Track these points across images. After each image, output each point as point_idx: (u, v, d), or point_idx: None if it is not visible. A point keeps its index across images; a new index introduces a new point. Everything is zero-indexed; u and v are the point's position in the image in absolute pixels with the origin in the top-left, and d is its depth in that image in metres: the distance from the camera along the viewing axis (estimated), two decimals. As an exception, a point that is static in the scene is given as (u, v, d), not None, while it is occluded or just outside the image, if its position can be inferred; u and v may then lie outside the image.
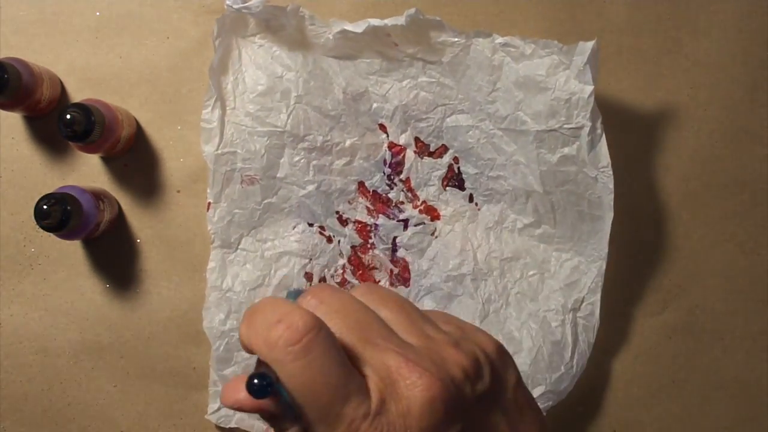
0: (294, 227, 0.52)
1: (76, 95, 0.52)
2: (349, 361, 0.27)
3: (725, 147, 0.55)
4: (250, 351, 0.28)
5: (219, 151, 0.50)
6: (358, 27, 0.48)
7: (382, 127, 0.52)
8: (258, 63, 0.50)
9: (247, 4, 0.47)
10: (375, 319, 0.29)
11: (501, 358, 0.30)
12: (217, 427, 0.52)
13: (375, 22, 0.48)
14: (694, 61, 0.55)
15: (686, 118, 0.55)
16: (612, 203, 0.49)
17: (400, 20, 0.47)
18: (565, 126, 0.48)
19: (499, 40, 0.49)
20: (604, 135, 0.48)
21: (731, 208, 0.55)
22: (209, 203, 0.50)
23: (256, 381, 0.25)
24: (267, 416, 0.28)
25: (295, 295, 0.30)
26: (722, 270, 0.55)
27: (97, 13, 0.52)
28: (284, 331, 0.26)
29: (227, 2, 0.47)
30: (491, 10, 0.54)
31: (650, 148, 0.55)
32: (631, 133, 0.54)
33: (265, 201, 0.51)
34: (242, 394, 0.28)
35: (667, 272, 0.55)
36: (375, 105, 0.51)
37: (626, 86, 0.54)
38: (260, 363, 0.28)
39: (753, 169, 0.55)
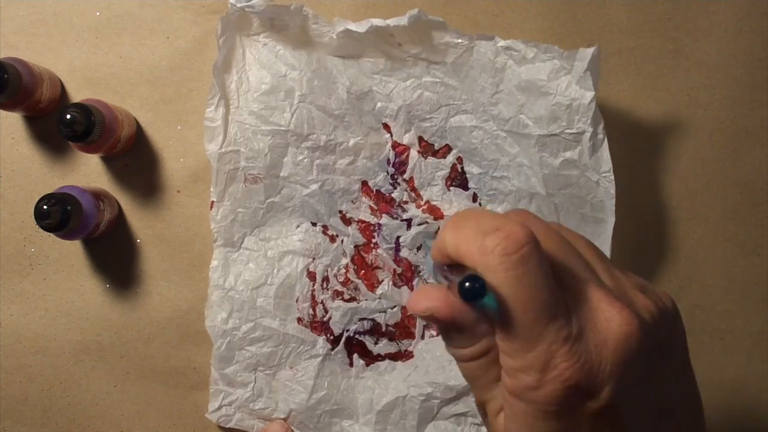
0: (297, 226, 0.52)
1: (76, 95, 0.52)
2: (556, 283, 0.27)
3: (725, 147, 0.55)
4: (453, 257, 0.28)
5: (222, 150, 0.50)
6: (360, 27, 0.48)
7: (386, 127, 0.52)
8: (262, 62, 0.50)
9: (250, 3, 0.47)
10: (575, 251, 0.29)
11: (677, 313, 0.30)
12: (218, 426, 0.52)
13: (377, 22, 0.48)
14: (694, 61, 0.55)
15: (686, 118, 0.55)
16: (614, 208, 0.49)
17: (403, 20, 0.47)
18: (567, 131, 0.48)
19: (502, 43, 0.49)
20: (606, 140, 0.48)
21: (731, 208, 0.55)
22: (212, 202, 0.50)
23: (468, 284, 0.24)
24: (451, 328, 0.28)
25: (431, 237, 0.30)
26: (722, 270, 0.55)
27: (97, 13, 0.52)
28: (503, 239, 0.26)
29: (231, 1, 0.47)
30: (491, 11, 0.54)
31: (650, 148, 0.55)
32: (630, 133, 0.54)
33: (269, 200, 0.51)
34: (434, 302, 0.28)
35: (667, 272, 0.55)
36: (379, 104, 0.51)
37: (626, 86, 0.54)
38: (455, 271, 0.28)
39: (753, 169, 0.55)
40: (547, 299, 0.26)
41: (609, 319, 0.26)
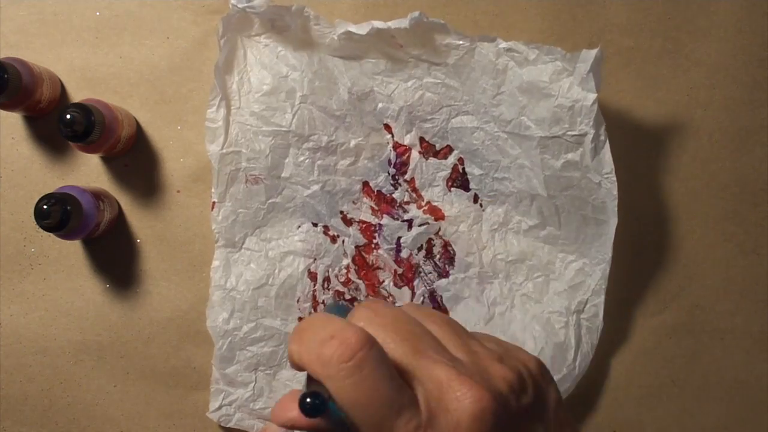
0: (298, 227, 0.52)
1: (76, 95, 0.52)
2: (399, 375, 0.27)
3: (725, 147, 0.55)
4: (300, 368, 0.28)
5: (224, 151, 0.50)
6: (362, 29, 0.48)
7: (387, 128, 0.52)
8: (263, 62, 0.50)
9: (251, 4, 0.47)
10: (425, 332, 0.29)
11: (543, 375, 0.31)
12: (218, 426, 0.52)
13: (379, 24, 0.48)
14: (694, 61, 0.55)
15: (686, 118, 0.55)
16: (616, 209, 0.49)
17: (404, 23, 0.47)
18: (569, 133, 0.48)
19: (503, 44, 0.49)
20: (607, 141, 0.48)
21: (731, 208, 0.55)
22: (213, 202, 0.50)
23: (309, 400, 0.25)
24: None
25: (338, 309, 0.31)
26: (722, 270, 0.55)
27: (97, 13, 0.52)
28: (337, 347, 0.26)
29: (232, 1, 0.47)
30: (491, 11, 0.54)
31: (650, 148, 0.55)
32: (630, 133, 0.54)
33: (270, 201, 0.51)
34: (294, 413, 0.28)
35: (667, 272, 0.55)
36: (380, 105, 0.51)
37: (626, 86, 0.54)
38: (311, 380, 0.28)
39: (753, 169, 0.55)
40: (390, 396, 0.26)
41: (460, 397, 0.26)
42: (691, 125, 0.55)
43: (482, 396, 0.26)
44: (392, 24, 0.48)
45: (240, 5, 0.47)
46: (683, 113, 0.55)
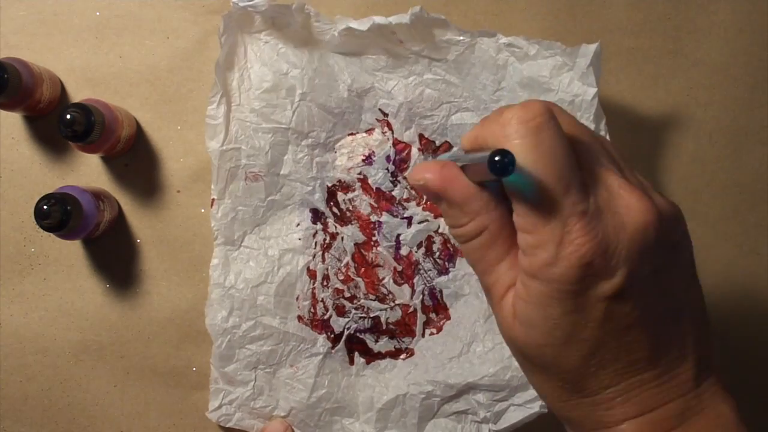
0: (297, 224, 0.52)
1: (76, 95, 0.52)
2: (575, 158, 0.27)
3: (725, 147, 0.55)
4: (480, 143, 0.28)
5: (224, 147, 0.50)
6: (362, 25, 0.48)
7: (387, 124, 0.52)
8: (264, 60, 0.50)
9: (252, 2, 0.47)
10: (600, 143, 0.29)
11: (685, 222, 0.30)
12: (218, 426, 0.52)
13: (379, 20, 0.48)
14: (694, 61, 0.55)
15: (686, 118, 0.55)
16: None
17: (405, 18, 0.47)
18: None
19: (504, 40, 0.49)
20: (608, 136, 0.48)
21: (731, 208, 0.55)
22: (213, 200, 0.50)
23: (498, 157, 0.24)
24: (445, 202, 0.29)
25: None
26: (722, 270, 0.55)
27: (97, 13, 0.52)
28: (519, 110, 0.26)
29: (233, 0, 0.47)
30: (491, 10, 0.54)
31: (650, 148, 0.55)
32: (630, 133, 0.54)
33: (269, 198, 0.51)
34: (431, 172, 0.29)
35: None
36: (380, 101, 0.51)
37: (626, 86, 0.54)
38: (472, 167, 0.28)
39: (753, 169, 0.55)
40: (563, 169, 0.26)
41: (629, 205, 0.27)
42: (691, 125, 0.55)
43: (651, 209, 0.27)
44: (393, 19, 0.48)
45: (241, 3, 0.47)
46: (683, 113, 0.55)
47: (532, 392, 0.50)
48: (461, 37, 0.49)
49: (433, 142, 0.52)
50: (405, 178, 0.52)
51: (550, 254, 0.26)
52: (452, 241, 0.52)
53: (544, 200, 0.26)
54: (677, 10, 0.54)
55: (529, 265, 0.27)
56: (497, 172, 0.24)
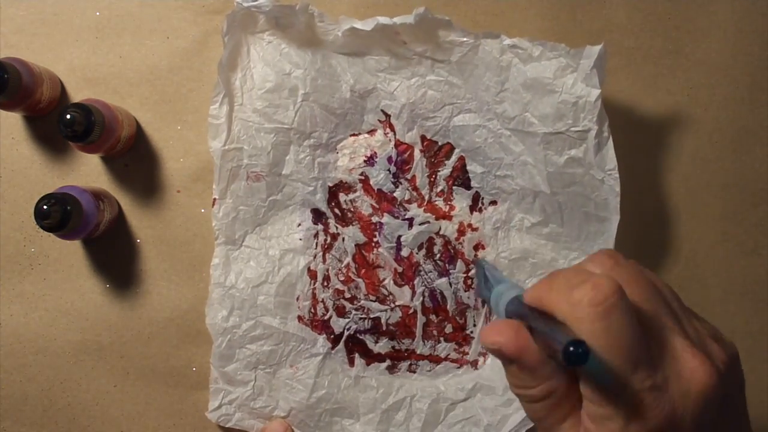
0: (298, 225, 0.52)
1: (76, 95, 0.52)
2: (642, 331, 0.27)
3: (725, 147, 0.55)
4: (544, 306, 0.28)
5: (226, 147, 0.50)
6: (366, 25, 0.48)
7: (389, 125, 0.52)
8: (266, 60, 0.50)
9: (256, 3, 0.47)
10: (662, 298, 0.29)
11: (739, 360, 0.31)
12: (218, 426, 0.52)
13: (383, 20, 0.48)
14: (694, 61, 0.55)
15: (686, 118, 0.55)
16: (618, 206, 0.49)
17: (409, 18, 0.47)
18: (572, 129, 0.48)
19: (507, 41, 0.49)
20: (611, 138, 0.48)
21: (731, 208, 0.55)
22: (214, 199, 0.50)
23: (572, 348, 0.24)
24: (516, 365, 0.29)
25: (488, 266, 0.32)
26: (722, 270, 0.55)
27: (97, 13, 0.52)
28: (590, 290, 0.26)
29: (237, 0, 0.47)
30: (492, 10, 0.54)
31: (650, 148, 0.55)
32: (630, 133, 0.54)
33: (270, 198, 0.51)
34: (506, 336, 0.29)
35: (667, 272, 0.55)
36: (382, 102, 0.51)
37: (626, 86, 0.54)
38: (542, 321, 0.28)
39: (753, 169, 0.55)
40: (633, 349, 0.26)
41: (693, 369, 0.27)
42: (691, 125, 0.55)
43: (712, 373, 0.27)
44: (397, 20, 0.48)
45: (245, 4, 0.47)
46: (683, 113, 0.55)
47: None
48: (465, 39, 0.49)
49: (436, 143, 0.52)
50: (407, 179, 0.52)
51: (619, 426, 0.27)
52: (453, 243, 0.52)
53: (614, 379, 0.26)
54: (677, 10, 0.54)
55: None
56: (571, 362, 0.24)
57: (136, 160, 0.52)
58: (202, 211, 0.53)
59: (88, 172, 0.52)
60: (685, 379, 0.27)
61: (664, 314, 0.29)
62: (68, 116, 0.44)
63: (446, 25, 0.49)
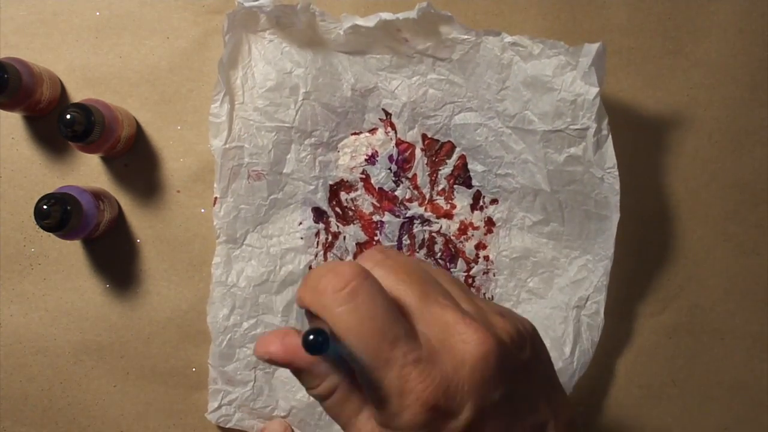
0: (300, 223, 0.52)
1: (76, 95, 0.52)
2: (398, 310, 0.27)
3: (725, 147, 0.55)
4: (303, 306, 0.29)
5: (227, 146, 0.50)
6: (369, 21, 0.48)
7: (390, 124, 0.52)
8: (268, 58, 0.50)
9: (257, 2, 0.47)
10: (434, 280, 0.30)
11: (538, 338, 0.31)
12: (218, 426, 0.52)
13: (386, 15, 0.48)
14: (694, 61, 0.55)
15: (686, 118, 0.55)
16: (618, 204, 0.49)
17: (412, 14, 0.47)
18: (571, 127, 0.48)
19: (508, 39, 0.49)
20: (610, 136, 0.48)
21: (731, 208, 0.55)
22: (215, 198, 0.50)
23: (311, 337, 0.24)
24: (296, 370, 0.30)
25: None
26: (722, 270, 0.55)
27: (97, 13, 0.52)
28: (332, 278, 0.27)
29: (239, 0, 0.47)
30: (491, 10, 0.54)
31: (650, 148, 0.55)
32: (630, 133, 0.54)
33: (272, 197, 0.51)
34: (273, 346, 0.29)
35: (667, 272, 0.55)
36: (383, 101, 0.51)
37: (626, 86, 0.54)
38: (312, 319, 0.29)
39: (753, 169, 0.55)
40: (386, 325, 0.26)
41: (465, 340, 0.27)
42: (691, 125, 0.55)
43: (487, 339, 0.27)
44: (400, 15, 0.48)
45: (247, 4, 0.47)
46: (683, 113, 0.55)
47: None
48: (466, 36, 0.49)
49: (437, 141, 0.52)
50: (408, 178, 0.52)
51: (394, 405, 0.27)
52: (454, 241, 0.52)
53: (374, 357, 0.26)
54: (677, 10, 0.54)
55: (378, 418, 0.28)
56: (313, 351, 0.24)
57: (136, 160, 0.52)
58: (202, 211, 0.53)
59: (88, 172, 0.52)
60: (458, 350, 0.27)
61: (434, 294, 0.29)
62: (68, 116, 0.44)
63: (448, 21, 0.49)
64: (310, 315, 0.29)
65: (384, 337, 0.26)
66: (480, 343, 0.27)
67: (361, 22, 0.48)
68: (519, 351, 0.29)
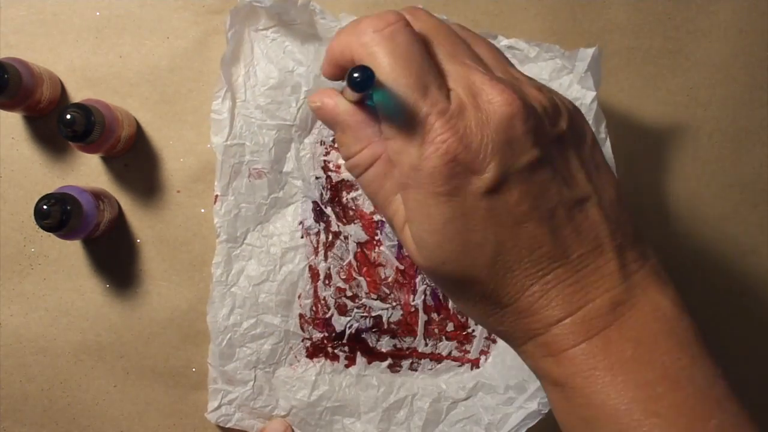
0: (300, 223, 0.52)
1: (76, 95, 0.52)
2: (431, 61, 0.27)
3: (725, 147, 0.55)
4: (340, 60, 0.29)
5: (228, 143, 0.50)
6: None
7: None
8: (270, 57, 0.50)
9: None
10: (466, 45, 0.29)
11: (579, 114, 0.30)
12: (217, 426, 0.52)
13: None
14: (694, 61, 0.55)
15: (686, 118, 0.55)
16: None
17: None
18: None
19: (505, 42, 0.49)
20: (608, 139, 0.48)
21: (731, 208, 0.55)
22: (216, 196, 0.50)
23: (357, 74, 0.24)
24: (338, 128, 0.29)
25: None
26: (722, 270, 0.55)
27: (97, 13, 0.52)
28: (372, 19, 0.27)
29: None
30: (491, 10, 0.54)
31: (650, 149, 0.55)
32: (630, 134, 0.54)
33: (272, 195, 0.51)
34: (326, 97, 0.29)
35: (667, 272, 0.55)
36: None
37: (626, 86, 0.54)
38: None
39: (753, 169, 0.55)
40: (420, 71, 0.26)
41: (491, 100, 0.27)
42: (691, 125, 0.55)
43: (513, 101, 0.27)
44: None
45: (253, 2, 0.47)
46: (683, 113, 0.55)
47: (529, 392, 0.50)
48: None
49: None
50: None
51: (414, 157, 0.26)
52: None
53: (404, 104, 0.26)
54: (677, 10, 0.54)
55: (400, 174, 0.27)
56: (357, 87, 0.24)
57: (136, 160, 0.52)
58: (202, 211, 0.53)
59: (88, 172, 0.52)
60: (484, 110, 0.27)
61: (462, 55, 0.28)
62: (68, 116, 0.44)
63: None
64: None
65: (417, 82, 0.26)
66: (506, 104, 0.26)
67: None
68: (553, 122, 0.28)
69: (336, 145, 0.52)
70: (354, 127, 0.29)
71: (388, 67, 0.26)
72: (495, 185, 0.26)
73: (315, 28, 0.50)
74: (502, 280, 0.28)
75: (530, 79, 0.30)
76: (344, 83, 0.27)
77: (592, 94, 0.48)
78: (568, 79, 0.48)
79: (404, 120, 0.26)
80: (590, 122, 0.48)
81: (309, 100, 0.30)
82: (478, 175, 0.26)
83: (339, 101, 0.29)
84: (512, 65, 0.31)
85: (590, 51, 0.47)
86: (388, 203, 0.29)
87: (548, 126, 0.28)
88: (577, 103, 0.47)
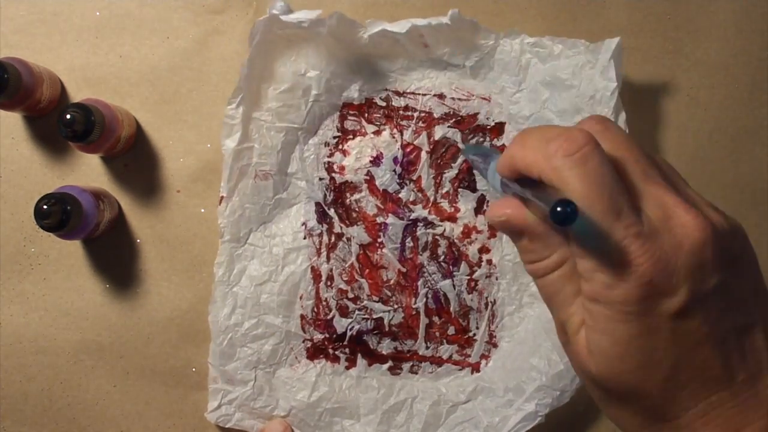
0: (303, 224, 0.52)
1: (76, 95, 0.52)
2: (622, 182, 0.27)
3: (725, 147, 0.55)
4: (521, 170, 0.28)
5: (238, 147, 0.50)
6: (400, 27, 0.48)
7: (397, 126, 0.52)
8: (285, 61, 0.50)
9: (295, 16, 0.47)
10: (654, 161, 0.29)
11: (747, 237, 0.31)
12: (217, 426, 0.52)
13: (418, 21, 0.48)
14: (694, 61, 0.55)
15: (686, 118, 0.55)
16: None
17: (444, 20, 0.48)
18: None
19: (528, 40, 0.50)
20: (628, 131, 0.49)
21: (731, 208, 0.55)
22: (222, 197, 0.50)
23: (560, 208, 0.24)
24: (525, 237, 0.29)
25: (477, 148, 0.32)
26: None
27: (97, 13, 0.52)
28: (564, 142, 0.26)
29: (273, 11, 0.47)
30: (491, 11, 0.54)
31: (649, 149, 0.55)
32: (630, 134, 0.54)
33: (276, 196, 0.51)
34: (512, 208, 0.29)
35: None
36: (391, 103, 0.51)
37: (626, 86, 0.54)
38: (507, 187, 0.29)
39: (753, 169, 0.55)
40: (614, 196, 0.26)
41: (684, 224, 0.27)
42: (691, 125, 0.55)
43: (706, 227, 0.27)
44: (432, 21, 0.48)
45: (285, 18, 0.47)
46: (683, 113, 0.55)
47: (527, 394, 0.50)
48: (484, 41, 0.50)
49: (443, 144, 0.52)
50: (413, 180, 0.52)
51: (609, 276, 0.26)
52: (457, 244, 0.52)
53: (599, 229, 0.26)
54: (677, 10, 0.54)
55: (591, 289, 0.27)
56: (560, 221, 0.24)
57: (136, 160, 0.52)
58: (202, 211, 0.53)
59: (88, 172, 0.52)
60: (677, 233, 0.27)
61: (656, 176, 0.29)
62: (68, 116, 0.44)
63: (473, 27, 0.49)
64: (513, 183, 0.29)
65: (611, 206, 0.26)
66: (699, 229, 0.27)
67: (394, 28, 0.48)
68: (732, 244, 0.29)
69: (342, 148, 0.52)
70: (543, 236, 0.29)
71: (582, 193, 0.26)
72: (684, 308, 0.27)
73: (336, 36, 0.49)
74: (671, 397, 0.28)
75: (702, 197, 0.31)
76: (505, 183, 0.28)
77: (614, 84, 0.48)
78: (590, 73, 0.49)
79: (597, 242, 0.26)
80: (611, 113, 0.49)
81: (489, 216, 0.30)
82: (668, 297, 0.27)
83: (520, 211, 0.29)
84: (687, 184, 0.31)
85: (614, 41, 0.48)
86: (566, 306, 0.30)
87: (728, 248, 0.28)
88: (598, 95, 0.48)
